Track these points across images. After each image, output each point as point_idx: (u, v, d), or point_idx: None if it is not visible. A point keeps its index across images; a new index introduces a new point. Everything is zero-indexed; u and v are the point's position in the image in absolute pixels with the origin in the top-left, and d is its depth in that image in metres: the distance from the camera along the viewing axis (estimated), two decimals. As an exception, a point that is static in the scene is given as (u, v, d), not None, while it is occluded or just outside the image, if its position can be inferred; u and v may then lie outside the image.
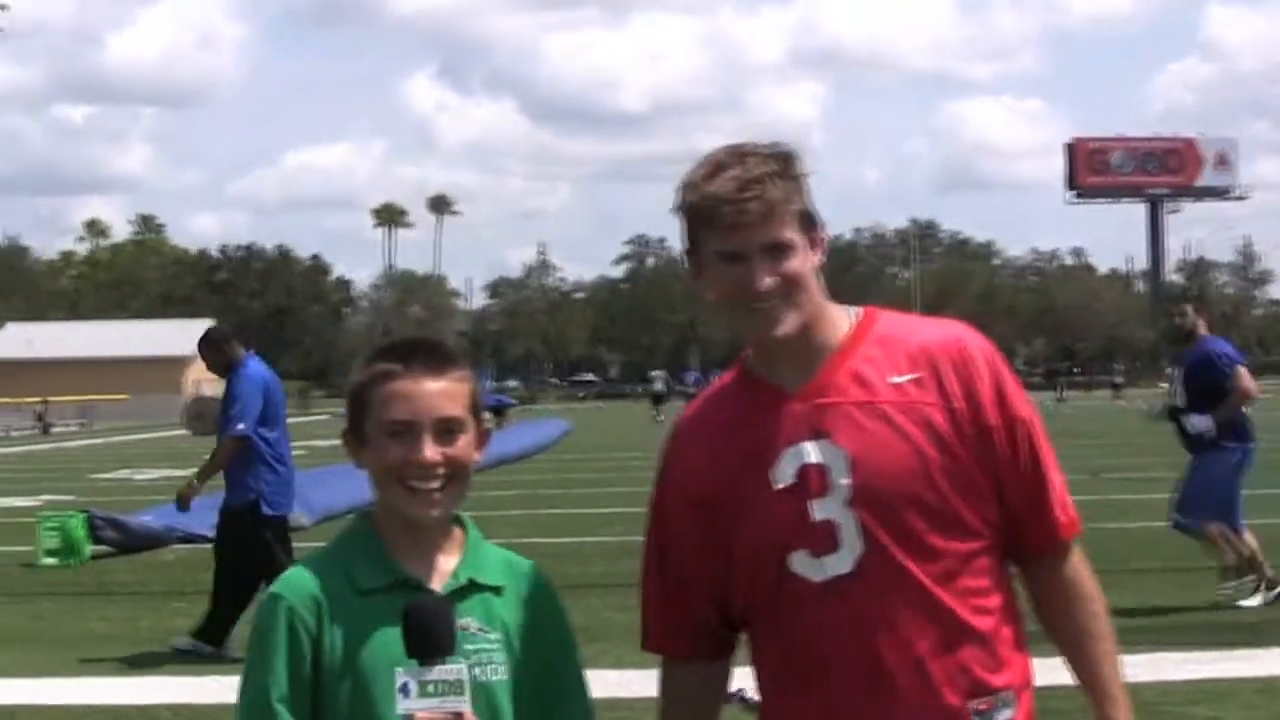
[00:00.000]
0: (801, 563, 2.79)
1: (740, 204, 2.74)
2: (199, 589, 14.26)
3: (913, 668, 2.75)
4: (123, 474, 33.05)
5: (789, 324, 2.80)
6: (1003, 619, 2.84)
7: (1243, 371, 12.08)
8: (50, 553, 16.32)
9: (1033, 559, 2.91)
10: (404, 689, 2.58)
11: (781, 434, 2.82)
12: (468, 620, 2.70)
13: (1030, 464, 2.85)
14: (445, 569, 2.75)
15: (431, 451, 2.69)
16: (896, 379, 2.82)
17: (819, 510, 2.77)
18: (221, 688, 9.42)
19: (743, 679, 9.78)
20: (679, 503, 2.93)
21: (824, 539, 2.77)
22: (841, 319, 2.91)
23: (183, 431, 56.20)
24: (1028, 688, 2.87)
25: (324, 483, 21.83)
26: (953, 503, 2.78)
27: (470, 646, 2.69)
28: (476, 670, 2.67)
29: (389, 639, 2.63)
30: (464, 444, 2.74)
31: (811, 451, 2.79)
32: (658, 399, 62.88)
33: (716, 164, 2.79)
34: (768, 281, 2.76)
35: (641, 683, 9.15)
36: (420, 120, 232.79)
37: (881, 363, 2.84)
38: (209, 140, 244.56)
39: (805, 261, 2.80)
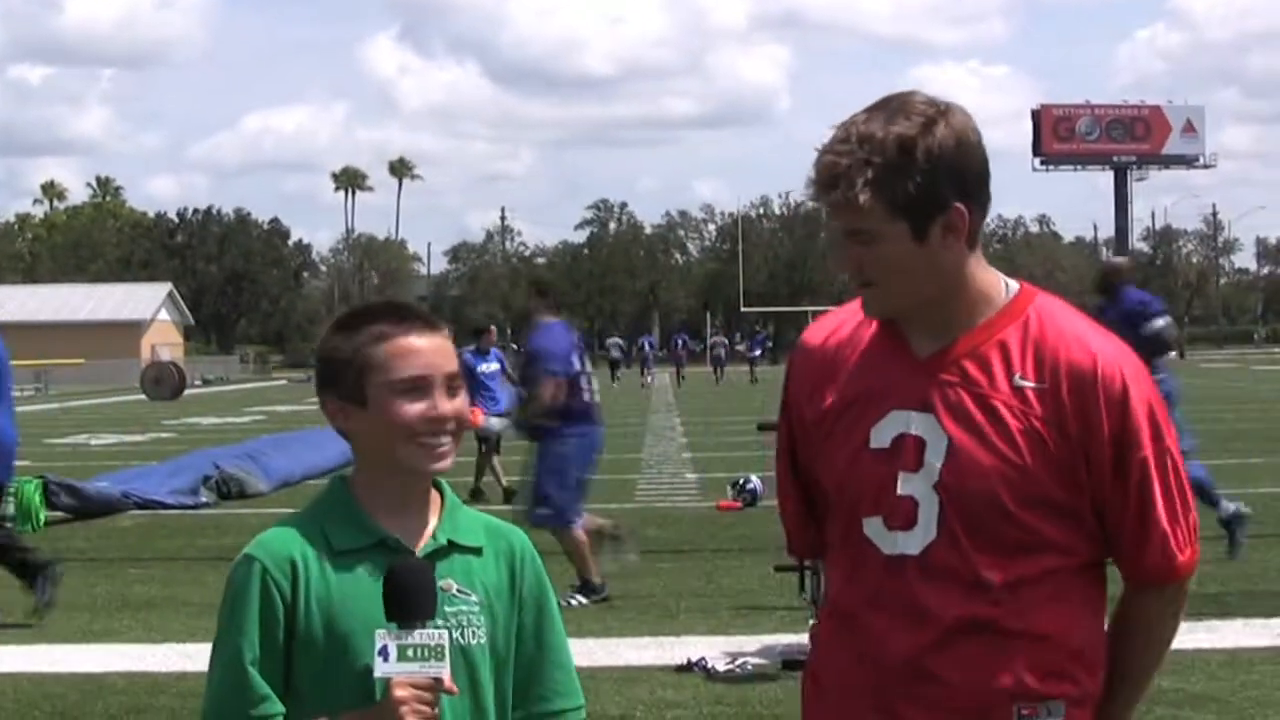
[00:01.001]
0: (874, 529, 2.76)
1: (819, 195, 2.71)
2: (155, 555, 14.25)
3: (956, 660, 2.71)
4: (79, 439, 32.80)
5: (880, 308, 2.78)
6: (1072, 632, 2.75)
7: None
8: (4, 519, 16.13)
9: (1126, 584, 2.85)
10: (383, 652, 2.55)
11: (895, 393, 2.76)
12: (448, 581, 2.68)
13: (1138, 502, 2.73)
14: (424, 531, 2.73)
15: (446, 405, 2.70)
16: (1021, 381, 2.73)
17: (904, 484, 2.73)
18: (177, 655, 9.38)
19: (705, 649, 9.69)
20: (792, 417, 2.94)
21: (903, 514, 2.73)
22: (995, 294, 2.80)
23: (140, 396, 56.07)
24: (1083, 703, 2.77)
25: (283, 449, 21.76)
26: (1039, 520, 2.70)
27: (450, 608, 2.66)
28: (456, 633, 2.65)
29: (367, 600, 2.61)
30: (465, 399, 2.77)
31: (916, 422, 2.74)
32: (614, 365, 65.34)
33: (829, 140, 2.72)
34: (850, 266, 2.73)
35: (603, 651, 9.18)
36: (382, 83, 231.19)
37: (1013, 357, 2.74)
38: (168, 102, 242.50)
39: (894, 255, 2.69)
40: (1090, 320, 2.82)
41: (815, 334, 2.94)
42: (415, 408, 2.68)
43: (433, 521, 2.75)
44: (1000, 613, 2.70)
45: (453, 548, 2.73)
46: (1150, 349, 11.97)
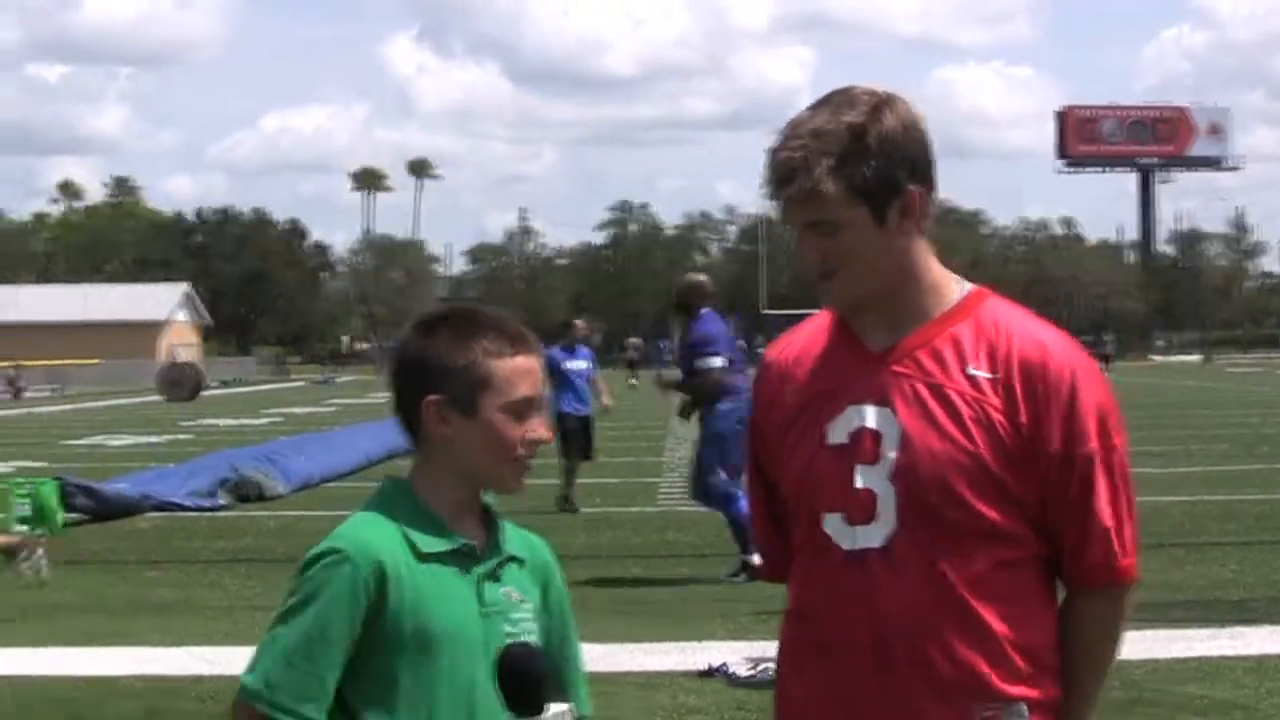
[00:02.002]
0: (834, 525, 2.77)
1: (777, 189, 2.74)
2: (173, 558, 14.20)
3: (920, 658, 2.70)
4: (96, 440, 32.74)
5: (846, 297, 2.79)
6: (1033, 632, 2.75)
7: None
8: (22, 520, 16.11)
9: (1068, 587, 2.82)
10: None
11: (851, 389, 2.79)
12: (509, 589, 2.78)
13: (1081, 498, 2.74)
14: (480, 538, 2.80)
15: (544, 429, 2.82)
16: (974, 371, 2.75)
17: (863, 478, 2.74)
18: (194, 659, 9.36)
19: (727, 654, 9.60)
20: (757, 433, 2.97)
21: (862, 508, 2.74)
22: (948, 290, 2.84)
23: (157, 397, 56.14)
24: (1046, 707, 2.76)
25: (302, 451, 21.70)
26: (994, 508, 2.71)
27: (515, 615, 2.77)
28: (525, 638, 2.77)
29: (455, 603, 2.71)
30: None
31: (871, 416, 2.76)
32: (632, 365, 66.74)
33: (777, 137, 2.76)
34: (814, 257, 2.75)
35: (625, 657, 9.10)
36: (401, 83, 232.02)
37: (967, 349, 2.77)
38: (186, 101, 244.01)
39: (858, 242, 2.73)
40: (1043, 320, 2.86)
41: (775, 348, 2.99)
42: (521, 429, 2.78)
43: (485, 531, 2.82)
44: (961, 607, 2.70)
45: (510, 557, 2.82)
46: (694, 386, 12.09)
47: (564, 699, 2.82)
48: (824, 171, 2.68)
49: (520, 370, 2.77)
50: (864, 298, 2.78)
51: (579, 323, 18.29)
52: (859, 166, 2.69)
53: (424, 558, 2.71)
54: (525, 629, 2.78)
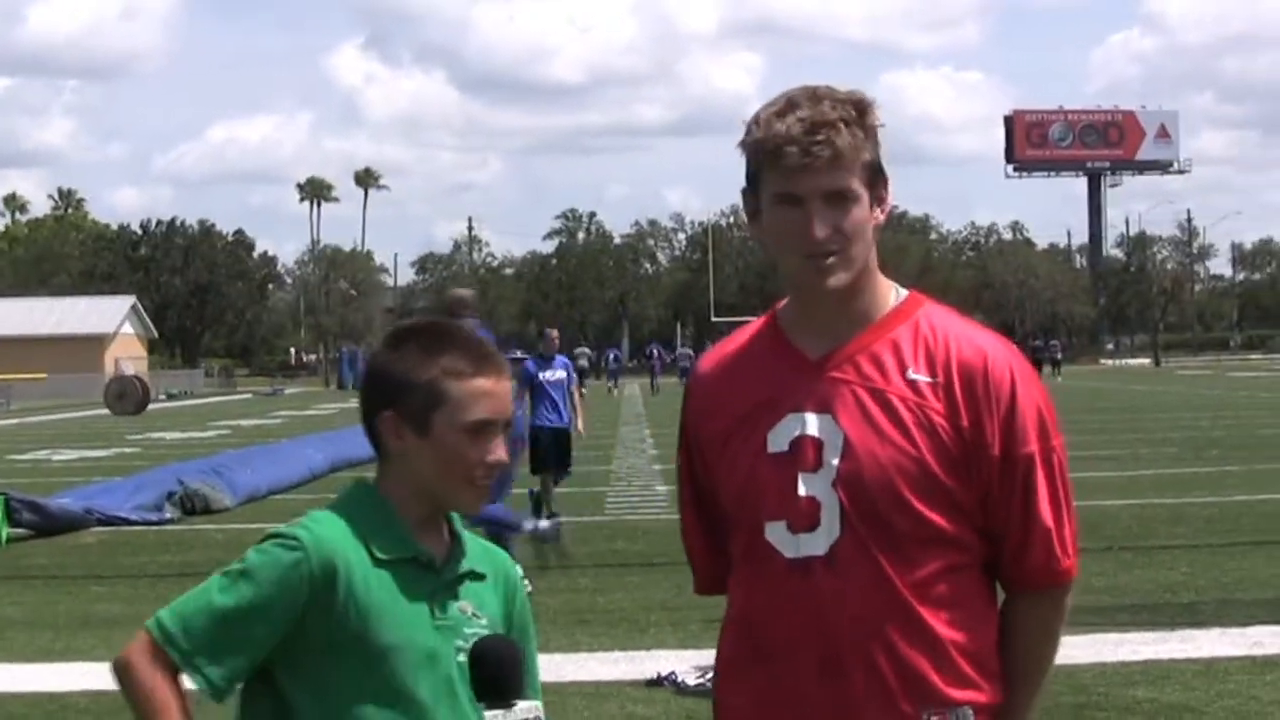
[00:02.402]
0: (777, 534, 2.74)
1: (807, 146, 2.66)
2: (118, 572, 14.10)
3: (866, 664, 2.70)
4: (41, 455, 32.49)
5: (841, 278, 2.73)
6: (977, 637, 2.76)
7: None
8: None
9: (1008, 589, 2.83)
10: None
11: (790, 397, 2.77)
12: (465, 603, 2.75)
13: (1022, 499, 2.75)
14: (443, 551, 2.79)
15: (502, 451, 2.78)
16: (914, 375, 2.75)
17: (805, 485, 2.72)
18: None
19: (675, 662, 9.57)
20: (691, 443, 2.95)
21: (804, 515, 2.72)
22: (885, 295, 2.84)
23: (104, 411, 55.75)
24: (991, 711, 2.77)
25: (249, 463, 21.57)
26: (938, 513, 2.71)
27: (469, 630, 2.73)
28: (462, 655, 2.73)
29: (404, 613, 2.67)
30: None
31: (811, 423, 2.74)
32: (581, 375, 64.78)
33: (789, 102, 2.71)
34: (825, 231, 2.69)
35: (572, 666, 9.08)
36: (348, 93, 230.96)
37: (906, 354, 2.77)
38: (132, 113, 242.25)
39: (866, 216, 2.73)
40: (978, 325, 2.88)
41: (710, 358, 2.97)
42: (477, 451, 2.74)
43: (447, 544, 2.80)
44: (906, 613, 2.69)
45: (469, 572, 2.80)
46: None
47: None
48: (853, 135, 2.68)
49: (479, 392, 2.74)
50: (852, 283, 2.75)
51: (553, 333, 17.61)
52: (870, 143, 2.72)
53: (380, 563, 2.68)
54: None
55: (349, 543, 2.68)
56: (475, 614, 2.75)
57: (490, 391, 2.75)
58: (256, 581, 2.64)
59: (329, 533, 2.69)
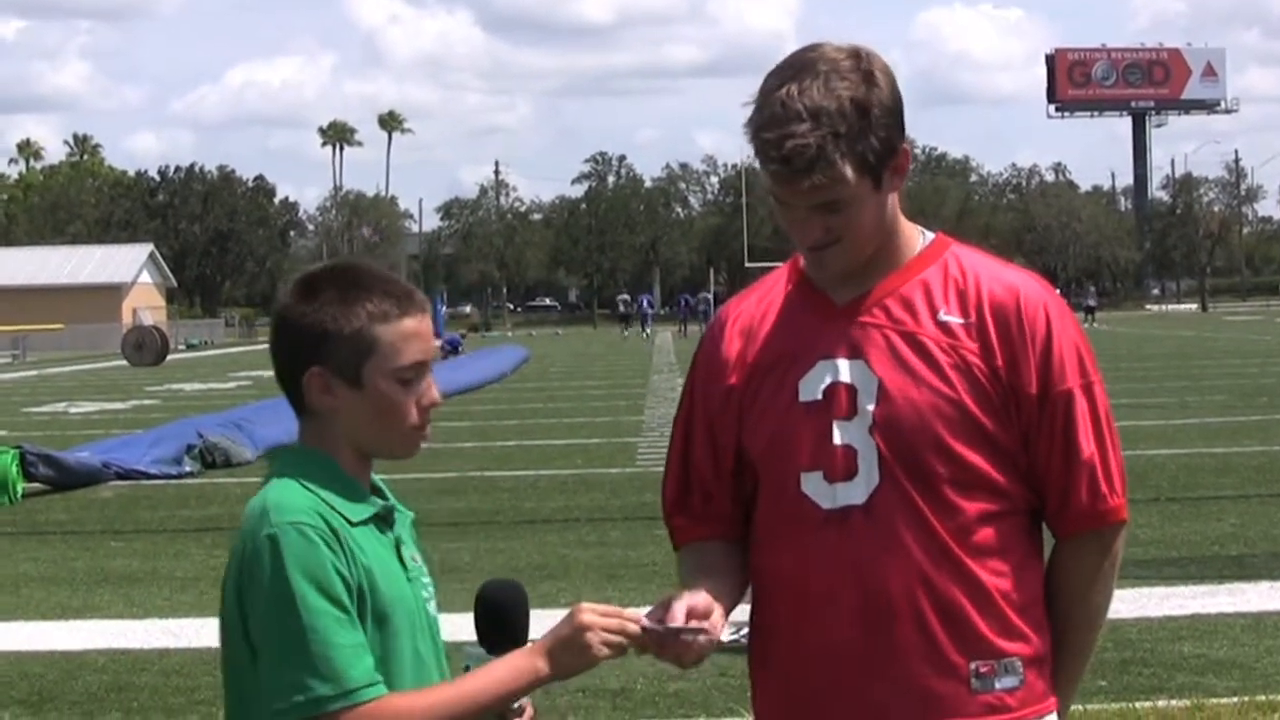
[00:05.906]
0: (813, 485, 2.68)
1: (789, 176, 2.61)
2: (137, 527, 13.98)
3: (912, 614, 2.63)
4: (58, 407, 32.37)
5: (837, 267, 2.70)
6: (1024, 586, 2.69)
7: None
8: None
9: (1056, 535, 2.75)
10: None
11: (819, 344, 2.72)
12: (414, 551, 2.66)
13: (1063, 437, 2.68)
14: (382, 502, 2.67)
15: (435, 391, 2.65)
16: (946, 317, 2.69)
17: (841, 433, 2.66)
18: (159, 631, 9.28)
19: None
20: (709, 390, 2.84)
21: (842, 464, 2.66)
22: (912, 239, 2.78)
23: (122, 362, 55.76)
24: (1038, 663, 2.69)
25: (270, 416, 21.04)
26: (979, 455, 2.65)
27: (425, 579, 2.66)
28: (430, 605, 2.64)
29: (391, 571, 2.55)
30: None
31: (844, 370, 2.69)
32: (625, 319, 72.67)
33: (776, 104, 2.61)
34: (818, 233, 2.66)
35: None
36: (371, 33, 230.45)
37: (936, 296, 2.71)
38: (149, 56, 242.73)
39: (865, 209, 2.65)
40: (1008, 263, 2.83)
41: (733, 306, 2.91)
42: (414, 396, 2.61)
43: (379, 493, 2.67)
44: (950, 561, 2.63)
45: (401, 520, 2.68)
46: None
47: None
48: (840, 157, 2.59)
49: (408, 333, 2.60)
50: (856, 264, 2.71)
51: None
52: (868, 141, 2.62)
53: (354, 524, 2.54)
54: (431, 593, 2.66)
55: (323, 507, 2.51)
56: (419, 561, 2.66)
57: (418, 331, 2.61)
58: (305, 580, 2.44)
59: (300, 505, 2.50)
